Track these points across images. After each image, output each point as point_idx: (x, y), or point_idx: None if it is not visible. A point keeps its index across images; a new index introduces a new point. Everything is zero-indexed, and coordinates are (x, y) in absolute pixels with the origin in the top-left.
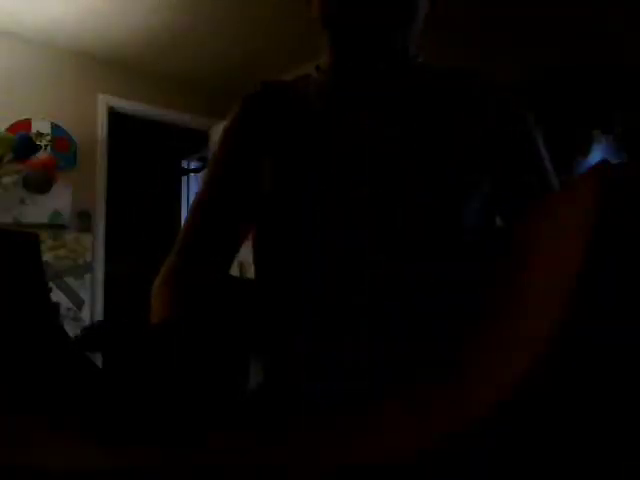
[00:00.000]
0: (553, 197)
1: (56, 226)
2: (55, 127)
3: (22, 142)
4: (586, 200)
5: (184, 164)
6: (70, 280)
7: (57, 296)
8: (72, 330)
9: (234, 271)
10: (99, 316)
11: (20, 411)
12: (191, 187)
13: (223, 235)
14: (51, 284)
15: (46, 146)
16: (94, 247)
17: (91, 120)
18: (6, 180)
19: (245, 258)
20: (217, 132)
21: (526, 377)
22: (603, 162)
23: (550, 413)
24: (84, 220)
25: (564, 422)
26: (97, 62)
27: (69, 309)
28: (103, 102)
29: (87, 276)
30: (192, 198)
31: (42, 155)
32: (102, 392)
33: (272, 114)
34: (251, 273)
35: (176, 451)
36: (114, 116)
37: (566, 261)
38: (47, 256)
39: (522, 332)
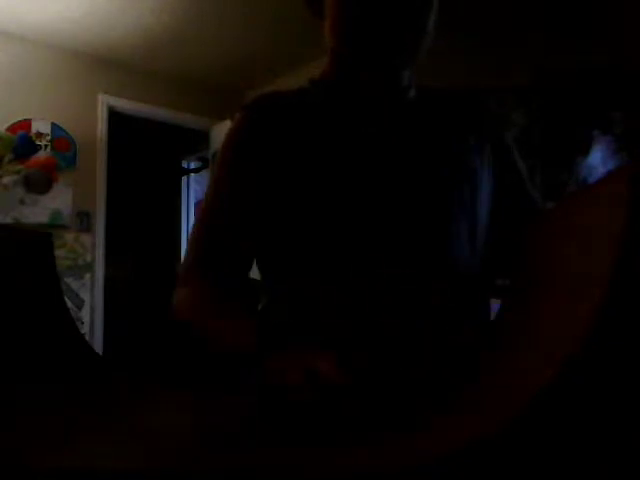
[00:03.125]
0: (581, 194)
1: (56, 226)
2: (55, 127)
3: (22, 142)
4: (618, 190)
5: (184, 164)
6: (70, 280)
7: None
8: None
9: None
10: (99, 316)
11: (35, 407)
12: (191, 187)
13: (240, 247)
14: None
15: (46, 146)
16: (94, 247)
17: (91, 120)
18: (6, 180)
19: None
20: (217, 132)
21: (550, 383)
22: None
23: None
24: (84, 220)
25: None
26: (97, 62)
27: (69, 309)
28: (103, 102)
29: (87, 276)
30: (192, 198)
31: (42, 155)
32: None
33: (273, 124)
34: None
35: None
36: (114, 116)
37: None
38: None
39: (543, 339)
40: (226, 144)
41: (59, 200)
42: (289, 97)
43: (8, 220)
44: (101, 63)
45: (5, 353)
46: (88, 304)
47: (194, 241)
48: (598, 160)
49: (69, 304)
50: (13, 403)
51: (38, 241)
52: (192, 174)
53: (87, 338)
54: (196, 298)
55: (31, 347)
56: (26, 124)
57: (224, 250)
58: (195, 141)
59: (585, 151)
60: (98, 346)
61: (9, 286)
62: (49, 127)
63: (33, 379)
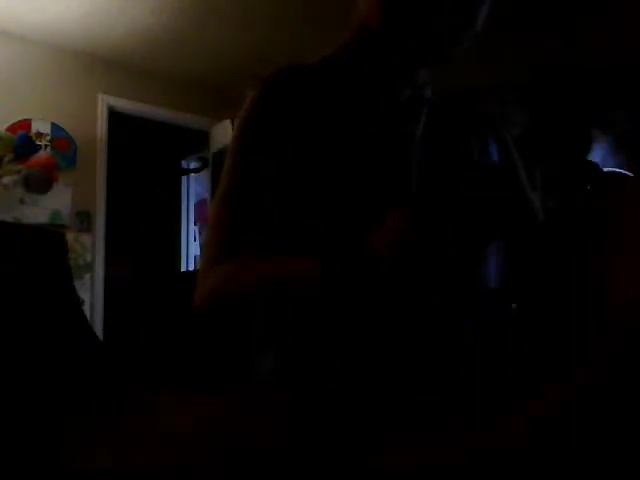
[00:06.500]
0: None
1: (56, 226)
2: (55, 127)
3: (22, 142)
4: None
5: (184, 164)
6: None
7: None
8: None
9: None
10: (99, 316)
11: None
12: (191, 187)
13: (269, 230)
14: None
15: (46, 146)
16: (94, 247)
17: (91, 120)
18: (6, 180)
19: None
20: (217, 132)
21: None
22: None
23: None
24: (84, 220)
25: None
26: (97, 62)
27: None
28: (103, 102)
29: (87, 276)
30: (192, 198)
31: (42, 155)
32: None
33: (294, 102)
34: None
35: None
36: (114, 116)
37: None
38: None
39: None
40: (247, 120)
41: (59, 200)
42: (309, 76)
43: (8, 220)
44: (101, 63)
45: (18, 350)
46: (88, 304)
47: (218, 226)
48: (598, 160)
49: None
50: (15, 404)
51: (52, 240)
52: (192, 174)
53: None
54: (239, 266)
55: (44, 345)
56: (26, 124)
57: (254, 232)
58: (195, 141)
59: (585, 151)
60: None
61: (24, 284)
62: (49, 127)
63: (45, 376)
